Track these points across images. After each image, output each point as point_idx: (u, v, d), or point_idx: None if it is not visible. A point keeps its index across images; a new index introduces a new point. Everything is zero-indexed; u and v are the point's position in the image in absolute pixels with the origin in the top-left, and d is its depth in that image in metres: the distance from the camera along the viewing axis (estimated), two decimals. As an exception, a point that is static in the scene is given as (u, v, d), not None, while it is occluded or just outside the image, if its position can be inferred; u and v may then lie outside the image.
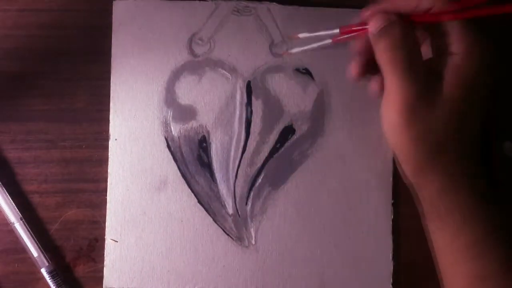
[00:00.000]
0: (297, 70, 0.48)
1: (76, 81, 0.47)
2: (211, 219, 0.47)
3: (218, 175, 0.47)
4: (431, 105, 0.37)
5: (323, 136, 0.48)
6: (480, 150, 0.39)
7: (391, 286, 0.47)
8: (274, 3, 0.48)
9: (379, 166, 0.48)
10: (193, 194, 0.47)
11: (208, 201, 0.47)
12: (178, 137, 0.47)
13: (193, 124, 0.47)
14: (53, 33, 0.48)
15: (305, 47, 0.43)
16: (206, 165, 0.47)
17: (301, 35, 0.43)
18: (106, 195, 0.46)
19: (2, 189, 0.45)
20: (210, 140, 0.47)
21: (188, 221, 0.46)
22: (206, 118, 0.47)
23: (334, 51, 0.48)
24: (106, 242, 0.46)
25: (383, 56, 0.38)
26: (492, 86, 0.38)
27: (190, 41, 0.48)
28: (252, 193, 0.47)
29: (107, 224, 0.46)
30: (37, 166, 0.47)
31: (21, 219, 0.45)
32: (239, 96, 0.48)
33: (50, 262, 0.45)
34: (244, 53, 0.48)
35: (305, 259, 0.47)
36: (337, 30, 0.41)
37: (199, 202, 0.47)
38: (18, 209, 0.46)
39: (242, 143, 0.47)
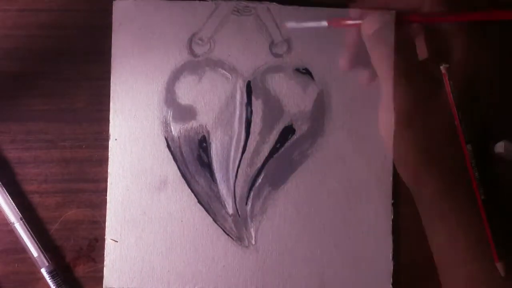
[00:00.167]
0: (297, 70, 0.48)
1: (76, 81, 0.47)
2: (211, 219, 0.47)
3: (218, 175, 0.47)
4: (428, 111, 0.37)
5: (323, 136, 0.48)
6: (476, 154, 0.39)
7: (391, 286, 0.47)
8: (274, 3, 0.48)
9: (379, 166, 0.48)
10: (193, 194, 0.47)
11: (208, 201, 0.47)
12: (178, 137, 0.47)
13: (193, 124, 0.47)
14: (53, 33, 0.48)
15: (301, 24, 0.43)
16: (206, 165, 0.47)
17: (289, 25, 0.43)
18: (106, 195, 0.46)
19: (2, 189, 0.45)
20: (210, 140, 0.47)
21: (188, 221, 0.46)
22: (206, 118, 0.47)
23: (334, 51, 0.48)
24: (106, 242, 0.46)
25: (379, 61, 0.38)
26: (488, 90, 0.38)
27: (190, 41, 0.48)
28: (252, 193, 0.47)
29: (107, 224, 0.46)
30: (37, 166, 0.47)
31: (21, 219, 0.45)
32: (239, 96, 0.48)
33: (50, 262, 0.45)
34: (244, 53, 0.48)
35: (305, 259, 0.47)
36: (325, 23, 0.41)
37: (199, 202, 0.47)
38: (18, 209, 0.46)
39: (242, 143, 0.47)
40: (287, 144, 0.48)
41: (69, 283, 0.46)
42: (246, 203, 0.47)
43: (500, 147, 0.48)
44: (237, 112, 0.48)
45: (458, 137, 0.38)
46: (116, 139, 0.47)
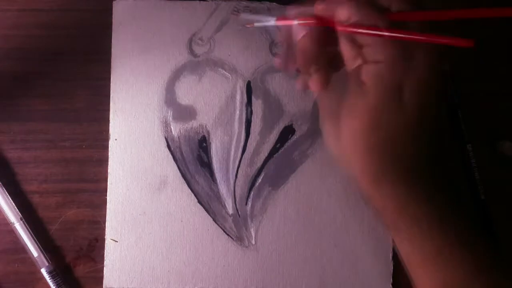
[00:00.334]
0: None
1: (76, 81, 0.47)
2: (211, 219, 0.47)
3: (218, 175, 0.47)
4: (355, 113, 0.36)
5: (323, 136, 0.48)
6: (442, 158, 0.38)
7: (391, 286, 0.47)
8: (274, 3, 0.48)
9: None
10: (193, 194, 0.47)
11: (208, 201, 0.47)
12: (178, 137, 0.47)
13: (193, 124, 0.47)
14: (53, 33, 0.48)
15: (252, 17, 0.42)
16: (206, 165, 0.47)
17: (243, 16, 0.44)
18: (106, 195, 0.46)
19: (2, 189, 0.45)
20: (210, 140, 0.47)
21: (188, 221, 0.46)
22: (206, 118, 0.47)
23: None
24: (106, 242, 0.46)
25: (302, 69, 0.38)
26: (433, 90, 0.37)
27: (190, 41, 0.48)
28: (252, 193, 0.47)
29: (107, 224, 0.46)
30: (37, 166, 0.47)
31: (21, 219, 0.45)
32: (239, 96, 0.48)
33: (50, 262, 0.45)
34: (244, 53, 0.48)
35: (305, 259, 0.47)
36: (273, 21, 0.40)
37: (199, 202, 0.47)
38: (18, 209, 0.46)
39: (242, 143, 0.47)
40: (287, 144, 0.48)
41: (69, 283, 0.46)
42: (246, 203, 0.47)
43: (502, 147, 0.48)
44: (237, 112, 0.48)
45: (420, 139, 0.36)
46: (116, 139, 0.47)
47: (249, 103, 0.48)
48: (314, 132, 0.48)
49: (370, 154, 0.36)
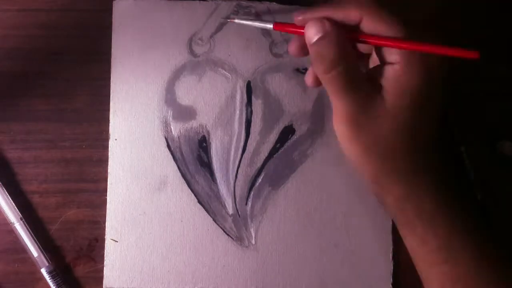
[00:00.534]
0: (297, 70, 0.48)
1: (76, 81, 0.47)
2: (211, 219, 0.47)
3: (218, 175, 0.47)
4: (375, 116, 0.36)
5: (323, 136, 0.48)
6: (440, 155, 0.39)
7: (391, 286, 0.47)
8: (274, 2, 0.48)
9: (379, 166, 0.48)
10: (193, 194, 0.47)
11: (208, 201, 0.47)
12: (178, 137, 0.47)
13: (193, 124, 0.47)
14: (53, 33, 0.48)
15: (248, 22, 0.42)
16: (206, 165, 0.47)
17: (237, 20, 0.42)
18: (106, 195, 0.46)
19: (2, 189, 0.45)
20: (210, 140, 0.47)
21: (188, 221, 0.46)
22: (206, 118, 0.47)
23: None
24: (106, 242, 0.46)
25: (320, 74, 0.37)
26: (441, 92, 0.38)
27: (190, 41, 0.48)
28: (252, 193, 0.47)
29: (107, 224, 0.46)
30: (37, 166, 0.47)
31: (21, 219, 0.45)
32: (239, 96, 0.48)
33: (50, 262, 0.45)
34: (244, 53, 0.48)
35: (305, 259, 0.47)
36: (271, 25, 0.40)
37: (199, 202, 0.47)
38: (18, 209, 0.46)
39: (242, 143, 0.47)
40: (287, 144, 0.48)
41: (69, 283, 0.46)
42: (246, 203, 0.47)
43: (501, 147, 0.48)
44: (237, 112, 0.48)
45: (414, 139, 0.37)
46: (116, 139, 0.47)
47: (249, 103, 0.48)
48: (314, 132, 0.48)
49: (364, 155, 0.37)
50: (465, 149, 0.48)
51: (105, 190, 0.46)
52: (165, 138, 0.47)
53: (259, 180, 0.47)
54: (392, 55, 0.36)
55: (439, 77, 0.36)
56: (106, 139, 0.47)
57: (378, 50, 0.37)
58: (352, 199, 0.47)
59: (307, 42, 0.37)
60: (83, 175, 0.47)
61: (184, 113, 0.47)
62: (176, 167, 0.47)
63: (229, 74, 0.48)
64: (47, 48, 0.48)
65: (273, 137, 0.48)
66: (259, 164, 0.47)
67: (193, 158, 0.47)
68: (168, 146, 0.47)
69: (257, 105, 0.48)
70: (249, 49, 0.48)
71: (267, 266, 0.46)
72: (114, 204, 0.46)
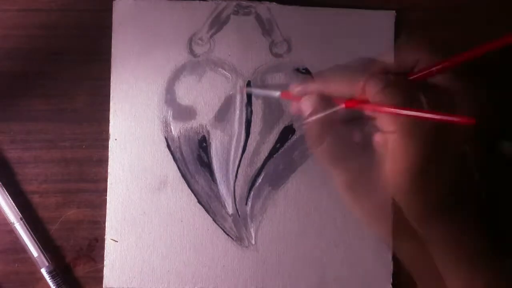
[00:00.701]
0: (297, 70, 0.48)
1: (76, 81, 0.47)
2: (211, 219, 0.47)
3: (218, 175, 0.47)
4: (373, 183, 0.36)
5: (323, 136, 0.48)
6: (453, 211, 0.39)
7: (391, 286, 0.47)
8: (274, 3, 0.48)
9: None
10: (193, 194, 0.47)
11: (208, 201, 0.47)
12: (178, 137, 0.47)
13: (193, 124, 0.47)
14: (53, 33, 0.48)
15: (260, 91, 0.46)
16: (206, 165, 0.47)
17: (247, 89, 0.46)
18: (106, 195, 0.46)
19: (2, 189, 0.45)
20: (210, 140, 0.47)
21: (188, 221, 0.46)
22: (206, 118, 0.47)
23: (334, 51, 0.48)
24: (106, 242, 0.46)
25: (385, 117, 0.36)
26: (442, 153, 0.37)
27: (190, 41, 0.48)
28: (252, 193, 0.47)
29: (107, 224, 0.46)
30: (37, 166, 0.47)
31: (21, 219, 0.45)
32: (239, 96, 0.48)
33: (50, 262, 0.45)
34: (244, 53, 0.48)
35: (305, 259, 0.47)
36: (279, 93, 0.43)
37: (199, 202, 0.47)
38: (18, 209, 0.46)
39: (242, 143, 0.47)
40: (287, 144, 0.48)
41: (69, 283, 0.46)
42: (246, 203, 0.47)
43: (500, 146, 0.48)
44: (237, 112, 0.48)
45: (422, 202, 0.37)
46: (116, 139, 0.47)
47: (249, 103, 0.48)
48: (314, 132, 0.48)
49: (414, 199, 0.37)
50: (469, 148, 0.48)
51: (105, 190, 0.46)
52: (165, 138, 0.47)
53: (259, 180, 0.47)
54: (388, 123, 0.36)
55: (438, 141, 0.36)
56: (106, 139, 0.47)
57: (376, 121, 0.37)
58: (352, 199, 0.47)
59: (368, 95, 0.37)
60: (83, 175, 0.47)
61: (184, 113, 0.47)
62: (176, 167, 0.47)
63: (229, 74, 0.48)
64: (47, 48, 0.48)
65: (273, 137, 0.48)
66: (259, 164, 0.47)
67: (193, 158, 0.47)
68: (168, 146, 0.47)
69: (257, 105, 0.48)
70: (249, 49, 0.48)
71: (267, 266, 0.46)
72: (114, 204, 0.46)
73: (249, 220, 0.47)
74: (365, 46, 0.48)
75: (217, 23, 0.48)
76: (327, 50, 0.48)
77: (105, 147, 0.47)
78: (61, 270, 0.46)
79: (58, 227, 0.47)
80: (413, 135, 0.35)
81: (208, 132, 0.47)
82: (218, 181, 0.47)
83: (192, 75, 0.48)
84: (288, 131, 0.48)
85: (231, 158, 0.47)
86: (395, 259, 0.47)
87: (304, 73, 0.48)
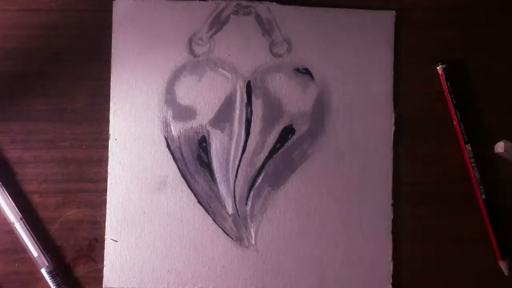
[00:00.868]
0: (297, 70, 0.48)
1: (76, 81, 0.47)
2: (211, 219, 0.47)
3: (218, 175, 0.47)
4: None
5: (323, 136, 0.48)
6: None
7: (391, 286, 0.47)
8: (274, 3, 0.48)
9: (379, 166, 0.48)
10: (193, 194, 0.47)
11: (208, 201, 0.47)
12: (178, 137, 0.47)
13: (193, 124, 0.47)
14: (53, 33, 0.48)
15: None
16: (206, 165, 0.47)
17: None
18: (106, 195, 0.46)
19: (2, 189, 0.45)
20: (210, 140, 0.47)
21: (188, 221, 0.46)
22: (206, 118, 0.47)
23: (334, 51, 0.48)
24: (106, 242, 0.46)
25: None
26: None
27: (190, 41, 0.48)
28: (252, 193, 0.47)
29: (107, 224, 0.46)
30: (37, 166, 0.47)
31: (21, 219, 0.45)
32: (239, 96, 0.48)
33: (50, 262, 0.45)
34: (244, 53, 0.48)
35: (305, 259, 0.47)
36: None
37: (199, 202, 0.47)
38: (18, 209, 0.46)
39: (242, 143, 0.47)
40: (287, 144, 0.48)
41: (69, 283, 0.46)
42: (246, 203, 0.47)
43: (500, 147, 0.48)
44: (237, 112, 0.48)
45: None
46: (116, 139, 0.47)
47: (249, 103, 0.48)
48: (314, 132, 0.48)
49: None
50: (471, 148, 0.48)
51: (105, 190, 0.46)
52: (165, 138, 0.47)
53: (259, 180, 0.47)
54: None
55: None
56: (106, 139, 0.47)
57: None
58: (352, 199, 0.47)
59: None
60: (83, 175, 0.47)
61: (184, 113, 0.47)
62: (176, 167, 0.47)
63: (229, 74, 0.48)
64: (47, 48, 0.48)
65: (273, 137, 0.48)
66: (259, 164, 0.47)
67: (193, 158, 0.47)
68: (168, 146, 0.47)
69: (257, 105, 0.48)
70: (249, 49, 0.48)
71: (267, 266, 0.46)
72: (114, 204, 0.46)
73: (249, 220, 0.47)
74: (365, 46, 0.48)
75: (217, 23, 0.48)
76: (327, 50, 0.48)
77: (105, 147, 0.47)
78: (61, 270, 0.46)
79: (58, 227, 0.46)
80: None
81: (208, 132, 0.47)
82: (218, 181, 0.47)
83: (192, 75, 0.48)
84: (288, 131, 0.48)
85: (231, 158, 0.47)
86: (395, 259, 0.47)
87: (304, 73, 0.48)
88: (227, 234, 0.47)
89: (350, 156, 0.47)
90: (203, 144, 0.47)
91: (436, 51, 0.49)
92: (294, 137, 0.48)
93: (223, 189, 0.47)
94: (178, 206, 0.47)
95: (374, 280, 0.47)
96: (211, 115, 0.47)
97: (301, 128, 0.48)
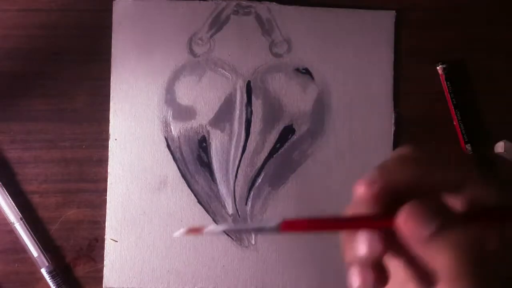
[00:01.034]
0: (297, 70, 0.48)
1: (76, 81, 0.47)
2: (211, 219, 0.47)
3: (218, 175, 0.47)
4: None
5: (323, 136, 0.48)
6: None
7: (391, 286, 0.47)
8: (274, 3, 0.48)
9: (379, 166, 0.47)
10: (193, 194, 0.47)
11: (208, 201, 0.47)
12: (178, 137, 0.47)
13: (193, 124, 0.47)
14: (53, 33, 0.48)
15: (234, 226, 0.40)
16: (206, 165, 0.47)
17: (207, 230, 0.29)
18: (106, 195, 0.46)
19: (2, 189, 0.45)
20: (210, 140, 0.47)
21: (188, 221, 0.46)
22: (206, 118, 0.47)
23: (334, 51, 0.48)
24: (106, 242, 0.46)
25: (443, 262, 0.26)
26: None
27: (190, 41, 0.48)
28: (252, 193, 0.47)
29: (107, 224, 0.46)
30: (37, 166, 0.47)
31: (21, 219, 0.45)
32: (239, 96, 0.48)
33: (50, 262, 0.45)
34: (244, 53, 0.48)
35: (305, 259, 0.47)
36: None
37: (199, 202, 0.47)
38: (18, 209, 0.46)
39: (242, 143, 0.47)
40: (287, 144, 0.48)
41: (69, 283, 0.46)
42: (246, 203, 0.47)
43: (500, 147, 0.48)
44: (237, 112, 0.48)
45: None
46: (116, 139, 0.47)
47: (249, 103, 0.48)
48: (314, 132, 0.48)
49: None
50: (471, 148, 0.48)
51: (105, 190, 0.46)
52: (165, 138, 0.47)
53: (259, 180, 0.47)
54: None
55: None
56: (106, 139, 0.47)
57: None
58: (352, 199, 0.47)
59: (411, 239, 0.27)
60: (83, 175, 0.47)
61: (184, 113, 0.47)
62: (176, 167, 0.47)
63: (229, 74, 0.48)
64: (47, 48, 0.47)
65: (273, 137, 0.48)
66: (259, 164, 0.47)
67: (193, 158, 0.47)
68: (168, 146, 0.47)
69: (257, 105, 0.48)
70: (249, 49, 0.48)
71: (267, 266, 0.46)
72: (114, 204, 0.46)
73: (249, 220, 0.47)
74: (365, 46, 0.48)
75: (217, 23, 0.48)
76: (327, 50, 0.48)
77: (105, 147, 0.47)
78: (61, 270, 0.46)
79: (58, 227, 0.46)
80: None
81: (208, 132, 0.47)
82: (218, 181, 0.47)
83: (192, 75, 0.48)
84: (288, 131, 0.48)
85: (231, 158, 0.47)
86: (395, 259, 0.47)
87: (304, 73, 0.48)
88: (227, 234, 0.47)
89: (350, 156, 0.47)
90: (203, 144, 0.47)
91: (436, 51, 0.49)
92: (294, 137, 0.48)
93: (223, 189, 0.47)
94: (178, 206, 0.47)
95: (374, 280, 0.47)
96: (211, 115, 0.47)
97: (301, 128, 0.48)
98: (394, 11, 0.49)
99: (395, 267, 0.29)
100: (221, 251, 0.46)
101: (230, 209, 0.47)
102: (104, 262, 0.46)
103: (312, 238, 0.47)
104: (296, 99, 0.48)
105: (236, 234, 0.47)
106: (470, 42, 0.49)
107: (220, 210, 0.47)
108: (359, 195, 0.29)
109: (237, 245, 0.47)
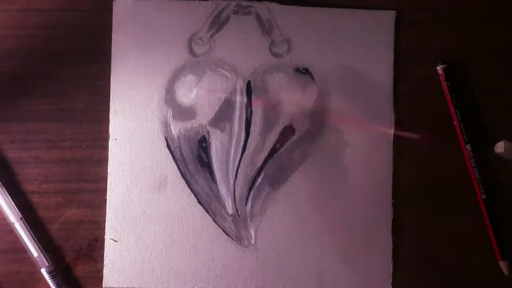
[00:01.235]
0: (297, 70, 0.48)
1: (76, 81, 0.47)
2: (210, 219, 0.47)
3: (218, 175, 0.47)
4: None
5: (323, 136, 0.48)
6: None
7: (390, 286, 0.47)
8: (274, 3, 0.48)
9: (379, 166, 0.48)
10: (192, 194, 0.47)
11: (207, 201, 0.47)
12: (178, 137, 0.47)
13: (193, 123, 0.47)
14: (53, 33, 0.48)
15: None
16: (206, 165, 0.47)
17: None
18: (106, 195, 0.46)
19: (2, 189, 0.45)
20: (210, 140, 0.47)
21: (187, 221, 0.46)
22: (206, 118, 0.47)
23: (334, 51, 0.48)
24: (106, 242, 0.46)
25: None
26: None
27: (190, 41, 0.48)
28: (252, 193, 0.47)
29: (107, 224, 0.46)
30: (37, 166, 0.47)
31: (21, 219, 0.45)
32: (239, 96, 0.48)
33: (50, 262, 0.45)
34: (244, 53, 0.48)
35: (305, 259, 0.47)
36: None
37: (199, 202, 0.47)
38: (18, 209, 0.46)
39: (242, 143, 0.47)
40: (287, 144, 0.48)
41: (69, 283, 0.46)
42: (246, 203, 0.47)
43: (500, 147, 0.48)
44: (237, 112, 0.48)
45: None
46: (116, 139, 0.47)
47: (249, 103, 0.48)
48: (314, 132, 0.48)
49: None
50: (471, 148, 0.48)
51: (105, 190, 0.46)
52: (165, 138, 0.47)
53: (259, 180, 0.47)
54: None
55: None
56: (106, 139, 0.47)
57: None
58: (351, 199, 0.47)
59: None
60: (83, 175, 0.47)
61: (184, 113, 0.47)
62: (176, 167, 0.47)
63: (229, 74, 0.48)
64: (47, 48, 0.48)
65: (273, 137, 0.48)
66: (259, 164, 0.47)
67: (193, 158, 0.47)
68: (168, 146, 0.47)
69: (257, 105, 0.48)
70: (249, 49, 0.48)
71: (267, 266, 0.46)
72: (114, 204, 0.46)
73: (249, 220, 0.47)
74: (365, 46, 0.48)
75: (217, 23, 0.48)
76: (327, 50, 0.48)
77: (105, 147, 0.47)
78: (61, 270, 0.46)
79: (58, 227, 0.47)
80: None
81: (208, 132, 0.47)
82: (218, 181, 0.47)
83: (192, 75, 0.48)
84: (288, 131, 0.48)
85: (231, 158, 0.47)
86: (395, 259, 0.47)
87: (304, 73, 0.48)
88: (227, 234, 0.47)
89: (350, 156, 0.47)
90: (203, 144, 0.47)
91: (436, 51, 0.49)
92: (294, 137, 0.48)
93: (223, 189, 0.47)
94: (178, 206, 0.47)
95: (374, 280, 0.47)
96: (211, 115, 0.47)
97: (301, 128, 0.48)
98: (394, 11, 0.49)
99: None
100: (221, 251, 0.46)
101: (230, 209, 0.47)
102: (104, 262, 0.46)
103: (312, 238, 0.47)
104: (296, 99, 0.48)
105: (236, 234, 0.47)
106: (470, 42, 0.49)
107: (220, 210, 0.47)
108: None
109: (237, 245, 0.47)
